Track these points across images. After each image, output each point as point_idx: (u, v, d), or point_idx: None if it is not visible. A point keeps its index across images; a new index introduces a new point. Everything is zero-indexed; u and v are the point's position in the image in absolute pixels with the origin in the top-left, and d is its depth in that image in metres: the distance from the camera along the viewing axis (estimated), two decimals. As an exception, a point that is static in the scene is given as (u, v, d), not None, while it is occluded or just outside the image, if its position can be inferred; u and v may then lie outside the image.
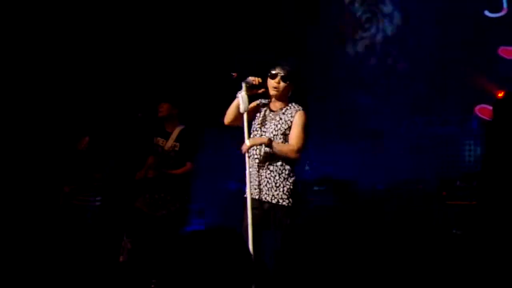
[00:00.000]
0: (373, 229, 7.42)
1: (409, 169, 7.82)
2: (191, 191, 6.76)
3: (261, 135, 5.41)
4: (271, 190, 5.32)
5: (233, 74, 5.34)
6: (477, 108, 7.79)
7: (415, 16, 9.21)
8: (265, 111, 5.49)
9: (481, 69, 8.32)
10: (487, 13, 8.72)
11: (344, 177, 7.96)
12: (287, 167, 5.32)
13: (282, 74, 5.36)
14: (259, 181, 5.35)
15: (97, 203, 6.88)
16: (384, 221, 7.46)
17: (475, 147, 8.41)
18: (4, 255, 6.21)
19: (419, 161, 7.87)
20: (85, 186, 6.81)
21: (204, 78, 7.56)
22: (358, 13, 9.57)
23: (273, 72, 5.36)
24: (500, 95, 7.28)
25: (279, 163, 5.31)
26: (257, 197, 5.36)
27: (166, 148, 6.65)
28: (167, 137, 6.70)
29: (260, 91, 5.40)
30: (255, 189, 5.36)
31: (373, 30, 9.42)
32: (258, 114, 5.51)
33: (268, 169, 5.31)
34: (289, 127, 5.32)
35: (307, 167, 7.52)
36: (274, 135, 5.34)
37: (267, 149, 5.33)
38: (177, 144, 6.65)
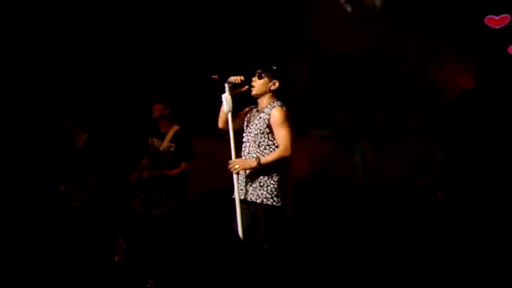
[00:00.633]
0: (368, 227, 7.41)
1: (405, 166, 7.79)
2: (186, 191, 6.80)
3: (247, 135, 5.45)
4: (256, 190, 5.34)
5: (214, 76, 5.37)
6: None
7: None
8: (253, 112, 5.53)
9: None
10: None
11: (339, 174, 7.95)
12: (273, 167, 5.33)
13: (259, 71, 5.40)
14: (245, 182, 5.38)
15: (92, 204, 6.91)
16: (379, 219, 7.44)
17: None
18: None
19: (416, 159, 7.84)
20: (81, 185, 6.85)
21: (194, 80, 7.57)
22: None
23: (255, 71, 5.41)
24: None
25: None
26: (242, 197, 5.38)
27: (161, 148, 6.69)
28: (162, 137, 6.74)
29: (243, 89, 5.42)
30: (242, 189, 5.38)
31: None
32: (247, 117, 5.54)
33: (254, 169, 5.34)
34: (268, 125, 5.33)
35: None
36: (255, 134, 5.38)
37: (252, 148, 5.36)
38: (173, 144, 6.69)
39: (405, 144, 7.92)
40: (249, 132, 5.45)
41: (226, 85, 5.38)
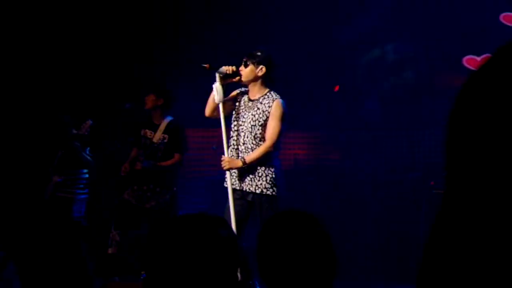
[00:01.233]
0: (361, 219, 7.39)
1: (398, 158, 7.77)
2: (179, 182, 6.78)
3: (240, 125, 5.40)
4: (254, 180, 5.32)
5: (205, 65, 5.34)
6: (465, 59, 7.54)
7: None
8: (243, 99, 5.48)
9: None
10: None
11: (332, 166, 7.92)
12: (268, 156, 5.32)
13: (244, 59, 5.36)
14: (240, 171, 5.35)
15: (83, 196, 6.87)
16: (372, 211, 7.42)
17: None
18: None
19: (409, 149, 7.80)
20: (73, 177, 6.81)
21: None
22: None
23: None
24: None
25: None
26: (238, 187, 5.36)
27: (154, 140, 6.64)
28: (155, 129, 6.67)
29: (235, 79, 5.39)
30: (237, 179, 5.36)
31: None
32: (237, 103, 5.50)
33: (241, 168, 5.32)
34: (268, 118, 5.31)
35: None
36: (252, 125, 5.34)
37: (248, 139, 5.34)
38: (166, 136, 6.63)
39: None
40: (242, 121, 5.41)
41: (217, 75, 5.33)
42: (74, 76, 7.85)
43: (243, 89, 5.52)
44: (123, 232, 6.58)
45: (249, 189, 5.33)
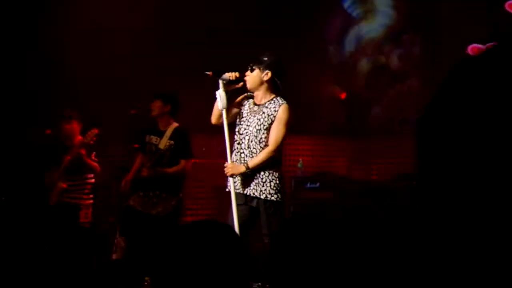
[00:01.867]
0: (366, 227, 7.36)
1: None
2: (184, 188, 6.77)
3: (245, 129, 5.38)
4: (258, 186, 5.31)
5: (208, 73, 5.34)
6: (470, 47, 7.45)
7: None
8: (249, 104, 5.45)
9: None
10: None
11: (338, 173, 7.91)
12: (272, 161, 5.32)
13: (250, 64, 5.35)
14: (244, 176, 5.34)
15: (89, 201, 6.89)
16: (376, 217, 7.38)
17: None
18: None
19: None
20: (80, 183, 6.83)
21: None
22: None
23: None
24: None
25: None
26: (242, 192, 5.35)
27: (161, 146, 6.62)
28: (160, 135, 6.66)
29: (238, 85, 5.38)
30: (240, 184, 5.35)
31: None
32: (242, 108, 5.49)
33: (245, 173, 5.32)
34: (273, 122, 5.31)
35: (299, 165, 7.47)
36: (257, 129, 5.32)
37: (253, 144, 5.32)
38: (172, 142, 6.62)
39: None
40: (247, 125, 5.39)
41: (220, 82, 5.33)
42: (77, 81, 7.86)
43: (248, 93, 5.51)
44: (128, 238, 6.58)
45: (254, 194, 5.32)
